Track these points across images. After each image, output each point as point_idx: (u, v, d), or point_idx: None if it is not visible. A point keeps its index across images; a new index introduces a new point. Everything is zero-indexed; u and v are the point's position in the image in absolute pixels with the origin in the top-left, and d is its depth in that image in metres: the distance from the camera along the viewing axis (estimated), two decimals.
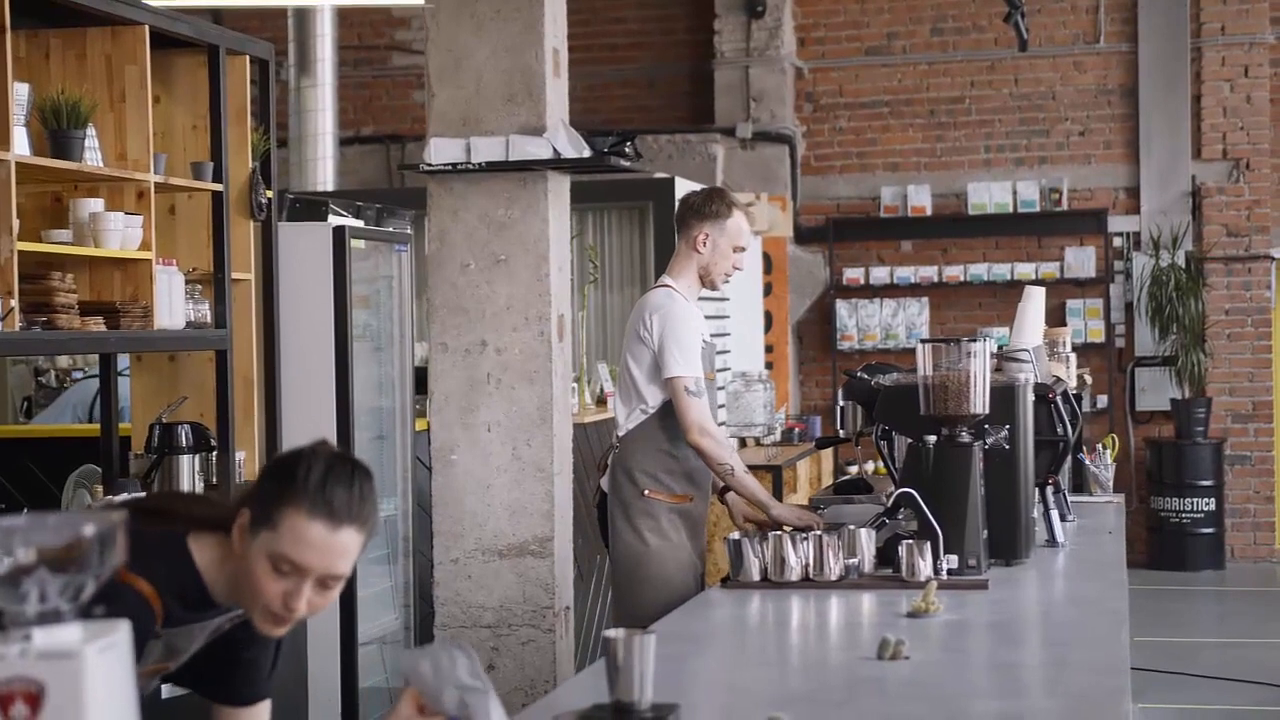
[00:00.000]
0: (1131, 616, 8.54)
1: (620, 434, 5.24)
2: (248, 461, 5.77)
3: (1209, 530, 12.04)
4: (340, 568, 2.57)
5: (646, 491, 5.12)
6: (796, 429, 10.60)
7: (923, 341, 4.40)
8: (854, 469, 10.64)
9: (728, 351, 10.28)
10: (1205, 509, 12.00)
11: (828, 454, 10.68)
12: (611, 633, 2.66)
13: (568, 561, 5.70)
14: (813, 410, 12.32)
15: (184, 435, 5.31)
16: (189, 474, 5.30)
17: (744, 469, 5.12)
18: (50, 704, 1.69)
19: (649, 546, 5.08)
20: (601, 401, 8.64)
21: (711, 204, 5.23)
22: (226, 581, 2.64)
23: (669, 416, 5.08)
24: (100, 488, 5.33)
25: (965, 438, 4.32)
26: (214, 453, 5.49)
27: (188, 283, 5.43)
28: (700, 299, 8.42)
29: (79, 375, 8.11)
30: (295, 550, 2.53)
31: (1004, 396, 4.46)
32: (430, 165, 5.52)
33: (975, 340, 4.35)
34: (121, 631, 1.76)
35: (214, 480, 5.51)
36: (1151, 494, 12.20)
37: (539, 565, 5.58)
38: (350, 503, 2.56)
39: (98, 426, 5.69)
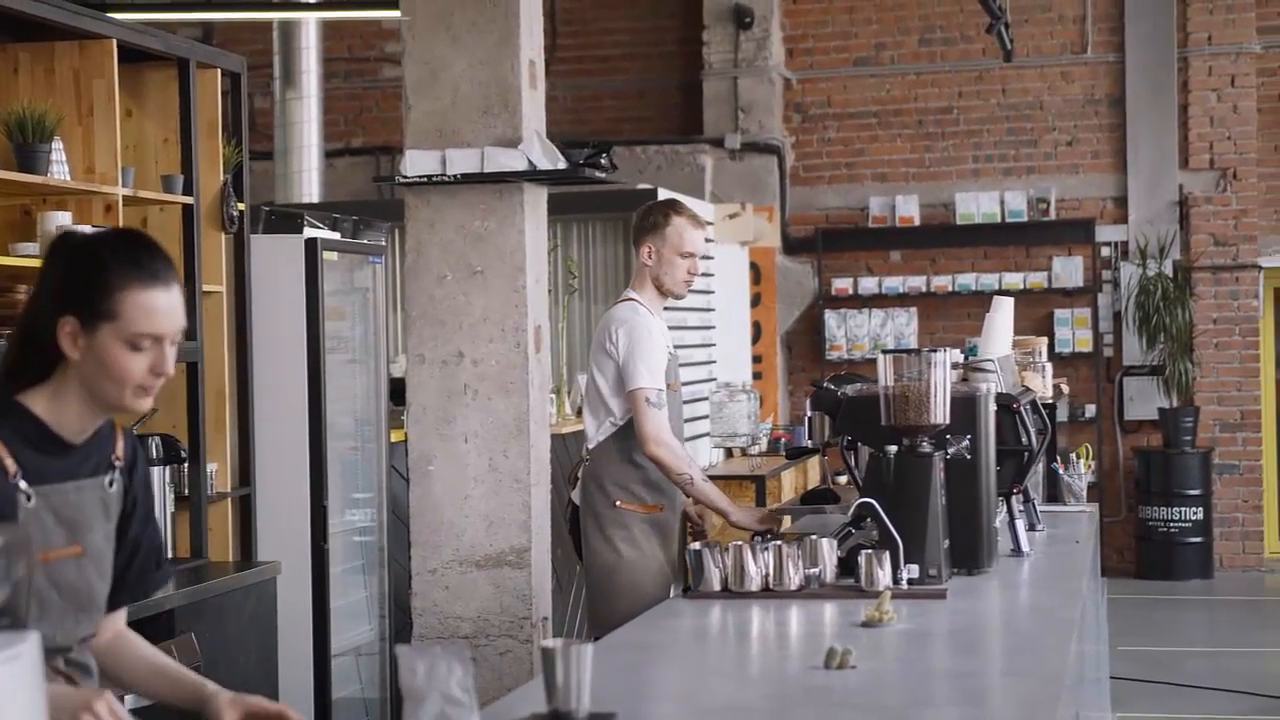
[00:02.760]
0: (1118, 625, 8.60)
1: (590, 446, 5.30)
2: (219, 474, 5.79)
3: (1197, 539, 12.04)
4: (183, 322, 2.72)
5: (618, 503, 5.18)
6: (783, 439, 10.61)
7: (884, 352, 4.41)
8: (843, 479, 10.63)
9: (713, 362, 10.30)
10: (1193, 518, 12.00)
11: (814, 464, 10.69)
12: (548, 643, 2.69)
13: (545, 572, 5.72)
14: (800, 421, 12.32)
15: (154, 447, 5.33)
16: (160, 485, 5.31)
17: (703, 478, 5.18)
18: None
19: (622, 557, 5.15)
20: (581, 412, 8.66)
21: (649, 217, 5.32)
22: (72, 413, 2.70)
23: None
24: None
25: (926, 448, 4.33)
26: (185, 464, 5.51)
27: None
28: (681, 309, 8.46)
29: None
30: (149, 324, 2.65)
31: (965, 406, 4.47)
32: (406, 177, 5.54)
33: (936, 351, 4.36)
34: (29, 643, 1.78)
35: (185, 492, 5.53)
36: (1140, 503, 12.20)
37: (516, 576, 5.59)
38: (164, 262, 2.71)
39: None
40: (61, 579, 2.67)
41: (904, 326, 12.63)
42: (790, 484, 9.72)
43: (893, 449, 4.32)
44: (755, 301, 12.21)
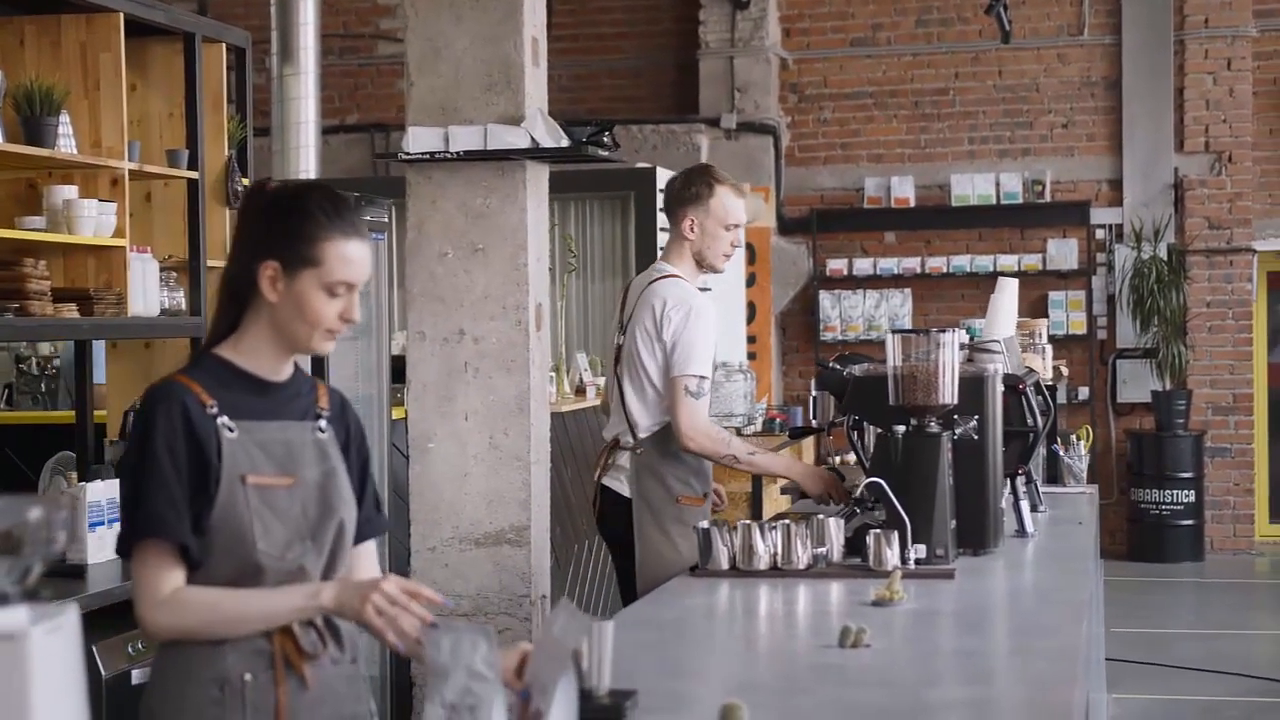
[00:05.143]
0: (1110, 607, 8.64)
1: (641, 435, 5.05)
2: None
3: (1189, 522, 12.08)
4: (370, 272, 2.90)
5: (680, 498, 5.02)
6: (778, 419, 10.61)
7: (893, 332, 4.40)
8: (836, 459, 10.65)
9: None
10: (1185, 501, 12.05)
11: (809, 444, 10.70)
12: None
13: (545, 551, 5.71)
14: (796, 401, 12.34)
15: None
16: None
17: (748, 450, 4.99)
18: None
19: (682, 555, 4.88)
20: (580, 391, 8.65)
21: (691, 186, 5.07)
22: (262, 354, 2.86)
23: None
24: (75, 474, 5.34)
25: (934, 428, 4.33)
26: None
27: (163, 270, 5.44)
28: None
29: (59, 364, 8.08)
30: (347, 272, 2.82)
31: (973, 387, 4.47)
32: (408, 154, 5.53)
33: (944, 331, 4.36)
34: (70, 615, 1.77)
35: None
36: (1132, 485, 12.24)
37: (516, 554, 5.58)
38: (360, 216, 2.89)
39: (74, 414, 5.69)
40: (275, 504, 2.81)
41: (899, 308, 12.64)
42: None
43: (901, 429, 4.33)
44: (750, 281, 12.21)
